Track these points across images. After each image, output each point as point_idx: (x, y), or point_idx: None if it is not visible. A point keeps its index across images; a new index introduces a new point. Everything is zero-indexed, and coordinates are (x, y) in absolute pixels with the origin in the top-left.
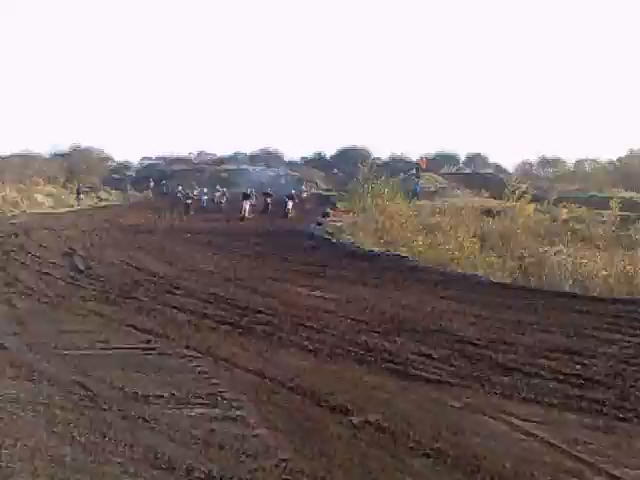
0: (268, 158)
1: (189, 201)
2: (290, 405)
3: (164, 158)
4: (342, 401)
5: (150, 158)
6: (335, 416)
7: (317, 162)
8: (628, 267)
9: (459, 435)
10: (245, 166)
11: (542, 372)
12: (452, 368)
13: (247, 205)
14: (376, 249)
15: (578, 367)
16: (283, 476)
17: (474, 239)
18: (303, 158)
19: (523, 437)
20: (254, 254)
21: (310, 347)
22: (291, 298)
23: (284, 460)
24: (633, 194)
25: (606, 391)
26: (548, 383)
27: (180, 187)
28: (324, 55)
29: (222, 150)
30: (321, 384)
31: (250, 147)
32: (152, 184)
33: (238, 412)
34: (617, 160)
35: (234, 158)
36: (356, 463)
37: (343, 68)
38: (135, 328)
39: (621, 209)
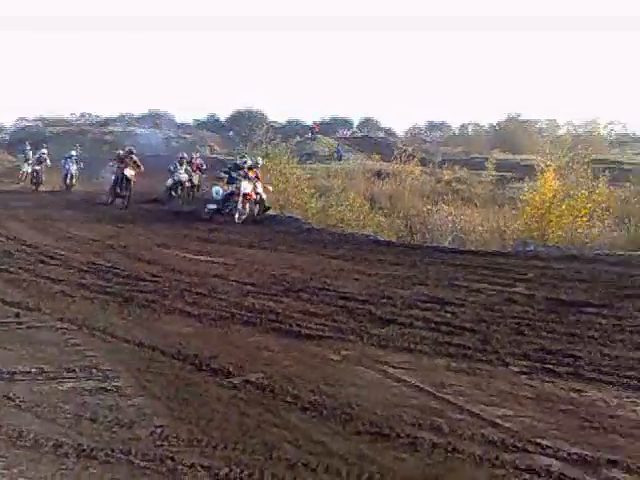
0: (157, 120)
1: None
2: (170, 372)
3: (42, 119)
4: (224, 363)
5: (26, 119)
6: (216, 379)
7: (211, 125)
8: (500, 222)
9: (336, 387)
10: (132, 128)
11: (416, 322)
12: (334, 324)
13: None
14: (269, 212)
15: (448, 316)
16: (157, 442)
17: (364, 201)
18: (196, 120)
19: (395, 384)
20: (140, 220)
21: (195, 312)
22: (178, 264)
23: (160, 426)
24: (510, 156)
25: (471, 336)
26: (421, 332)
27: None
28: (216, 13)
29: (108, 111)
30: (204, 349)
31: (138, 109)
32: (28, 147)
33: (114, 383)
34: (496, 124)
35: (120, 119)
36: (233, 423)
37: (237, 28)
38: (3, 302)
39: (498, 170)
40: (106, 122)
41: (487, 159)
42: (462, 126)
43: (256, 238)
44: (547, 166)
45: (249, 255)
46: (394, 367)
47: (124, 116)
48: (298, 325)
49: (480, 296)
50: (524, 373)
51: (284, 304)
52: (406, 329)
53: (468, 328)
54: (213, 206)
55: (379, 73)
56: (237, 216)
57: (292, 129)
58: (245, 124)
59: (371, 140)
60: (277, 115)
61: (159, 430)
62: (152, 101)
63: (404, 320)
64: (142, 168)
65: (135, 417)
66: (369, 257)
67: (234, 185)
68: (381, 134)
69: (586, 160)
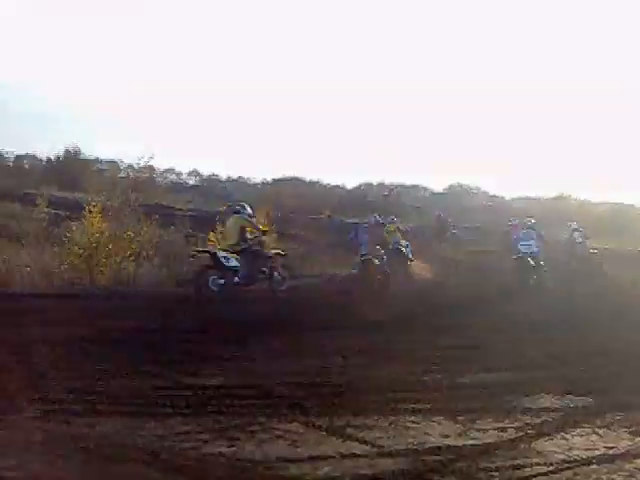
0: None
1: None
2: None
3: None
4: None
5: None
6: None
7: None
8: (49, 262)
9: None
10: None
11: None
12: None
13: None
14: None
15: None
16: None
17: None
18: None
19: None
20: None
21: None
22: None
23: None
24: (68, 193)
25: None
26: None
27: None
28: None
29: None
30: None
31: None
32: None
33: None
34: (54, 158)
35: None
36: None
37: None
38: None
39: (54, 207)
40: None
41: (42, 195)
42: (17, 157)
43: None
44: (94, 207)
45: None
46: None
47: None
48: None
49: None
50: (39, 417)
51: None
52: None
53: None
54: None
55: None
56: None
57: None
58: None
59: None
60: None
61: None
62: None
63: None
64: None
65: None
66: None
67: None
68: None
69: (137, 204)
